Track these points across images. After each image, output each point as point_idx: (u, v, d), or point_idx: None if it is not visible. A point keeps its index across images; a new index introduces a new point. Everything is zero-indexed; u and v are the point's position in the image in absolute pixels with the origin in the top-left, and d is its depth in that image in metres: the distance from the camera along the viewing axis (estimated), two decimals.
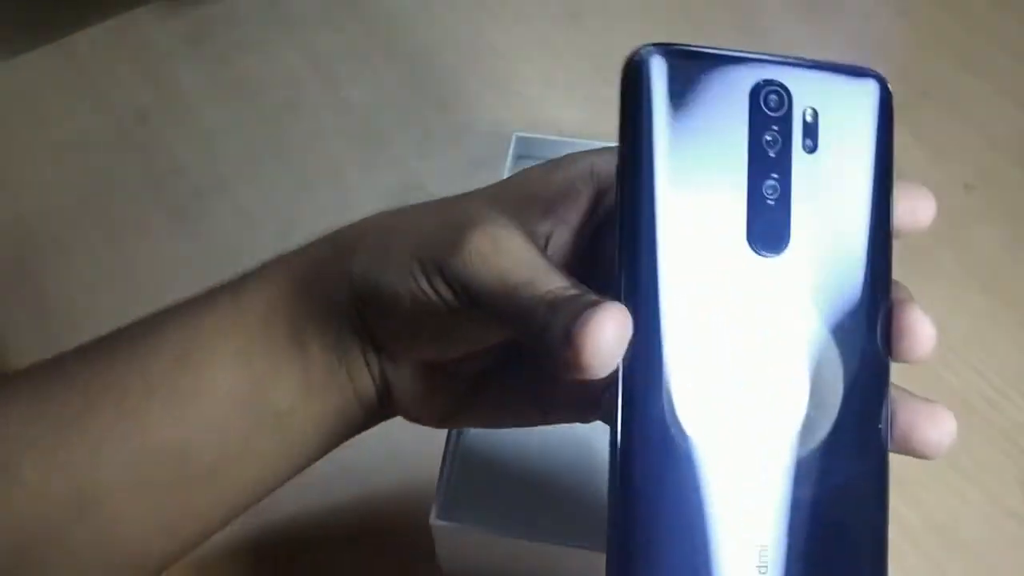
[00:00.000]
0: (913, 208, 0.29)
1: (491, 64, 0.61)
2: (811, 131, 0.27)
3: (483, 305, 0.28)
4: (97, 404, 0.32)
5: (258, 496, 0.35)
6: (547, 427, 0.43)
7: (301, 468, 0.36)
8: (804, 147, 0.26)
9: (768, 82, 0.26)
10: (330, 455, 0.47)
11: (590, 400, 0.32)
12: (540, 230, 0.31)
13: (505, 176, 0.48)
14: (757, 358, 0.26)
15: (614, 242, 0.26)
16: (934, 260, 0.53)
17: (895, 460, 0.48)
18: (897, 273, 0.55)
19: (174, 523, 0.34)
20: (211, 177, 0.57)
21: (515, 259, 0.28)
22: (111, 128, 0.59)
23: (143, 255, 0.55)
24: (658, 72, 0.25)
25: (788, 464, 0.26)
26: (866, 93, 0.28)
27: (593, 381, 0.25)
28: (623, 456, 0.25)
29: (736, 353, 0.26)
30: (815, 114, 0.27)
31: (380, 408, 0.34)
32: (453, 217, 0.30)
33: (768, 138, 0.26)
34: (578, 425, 0.43)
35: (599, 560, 0.38)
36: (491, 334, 0.31)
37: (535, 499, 0.42)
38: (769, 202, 0.26)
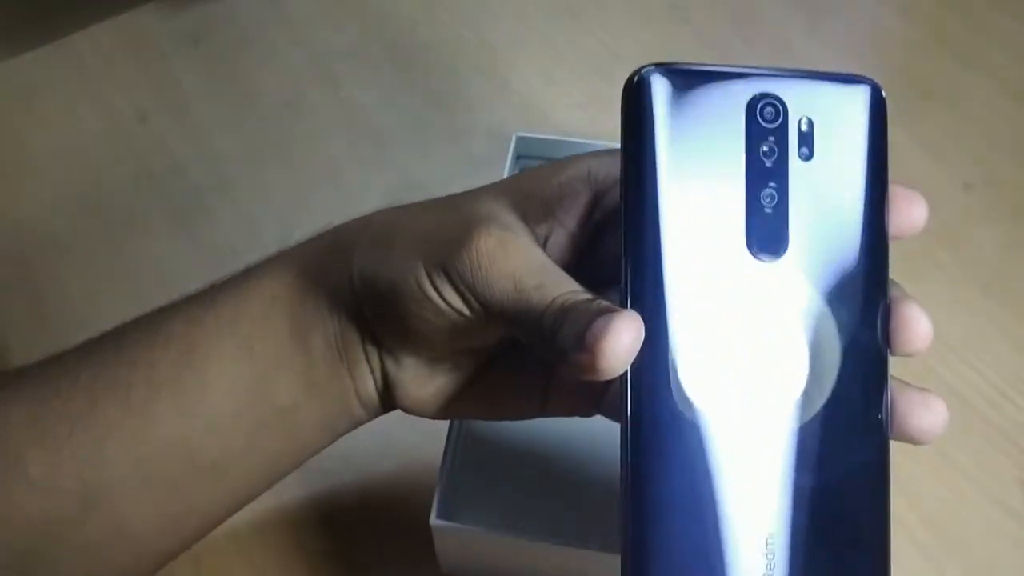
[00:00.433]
0: (908, 212, 0.29)
1: (491, 64, 0.61)
2: (807, 139, 0.28)
3: (489, 306, 0.29)
4: (102, 401, 0.32)
5: (260, 491, 0.36)
6: (547, 427, 0.43)
7: (301, 463, 0.36)
8: (800, 155, 0.28)
9: (763, 95, 0.27)
10: (330, 454, 0.47)
11: (589, 394, 0.32)
12: (539, 231, 0.31)
13: (505, 176, 0.48)
14: (761, 356, 0.27)
15: (618, 248, 0.27)
16: (934, 260, 0.53)
17: (895, 460, 0.48)
18: (897, 273, 0.55)
19: (179, 518, 0.34)
20: (211, 177, 0.57)
21: (523, 261, 0.29)
22: (111, 128, 0.59)
23: (143, 255, 0.55)
24: (659, 90, 0.27)
25: (793, 454, 0.27)
26: (860, 100, 0.29)
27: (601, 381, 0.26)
28: (633, 448, 0.26)
29: (740, 352, 0.27)
30: (810, 123, 0.28)
31: (379, 402, 0.34)
32: (458, 216, 0.31)
33: (765, 148, 0.27)
34: (578, 425, 0.43)
35: (599, 560, 0.38)
36: (493, 332, 0.31)
37: (535, 499, 0.42)
38: (767, 210, 0.27)
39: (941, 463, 0.46)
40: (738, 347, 0.27)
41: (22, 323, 0.51)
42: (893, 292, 0.30)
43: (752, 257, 0.27)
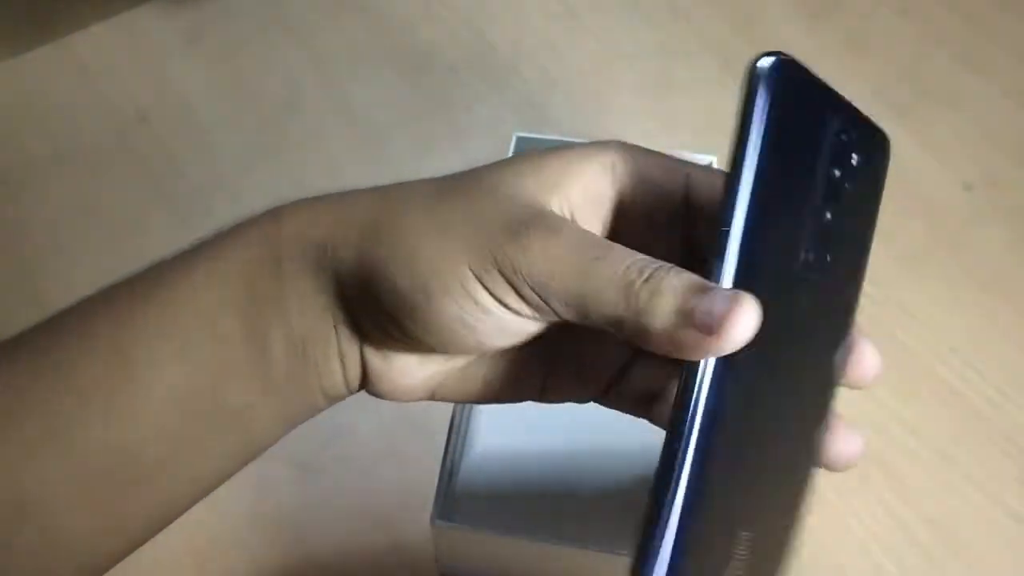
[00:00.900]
0: (861, 363, 0.30)
1: (491, 64, 0.61)
2: (852, 176, 0.29)
3: (553, 297, 0.27)
4: (30, 407, 0.31)
5: (213, 486, 0.33)
6: (547, 428, 0.43)
7: (256, 456, 0.34)
8: (846, 188, 0.29)
9: (848, 126, 0.29)
10: (330, 453, 0.47)
11: (593, 382, 0.32)
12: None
13: None
14: (792, 366, 0.29)
15: (716, 234, 0.26)
16: (934, 260, 0.53)
17: (897, 460, 0.48)
18: (897, 272, 0.55)
19: (121, 522, 0.32)
20: (211, 177, 0.57)
21: (577, 240, 0.28)
22: (111, 128, 0.59)
23: (143, 255, 0.55)
24: (785, 80, 0.28)
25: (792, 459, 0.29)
26: (884, 148, 0.31)
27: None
28: (699, 434, 0.26)
29: (779, 355, 0.28)
30: (858, 161, 0.29)
31: (347, 392, 0.32)
32: (497, 207, 0.29)
33: (835, 174, 0.28)
34: (578, 425, 0.43)
35: (599, 560, 0.38)
36: (546, 323, 0.29)
37: (535, 499, 0.42)
38: (823, 230, 0.28)
39: (941, 463, 0.46)
40: (780, 349, 0.27)
41: (22, 323, 0.51)
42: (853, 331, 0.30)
43: (801, 271, 0.28)
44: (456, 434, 0.41)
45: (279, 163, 0.58)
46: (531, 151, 0.31)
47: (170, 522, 0.33)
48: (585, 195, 0.29)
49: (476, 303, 0.28)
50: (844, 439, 0.30)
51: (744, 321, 0.25)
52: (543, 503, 0.42)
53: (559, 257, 0.27)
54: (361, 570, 0.44)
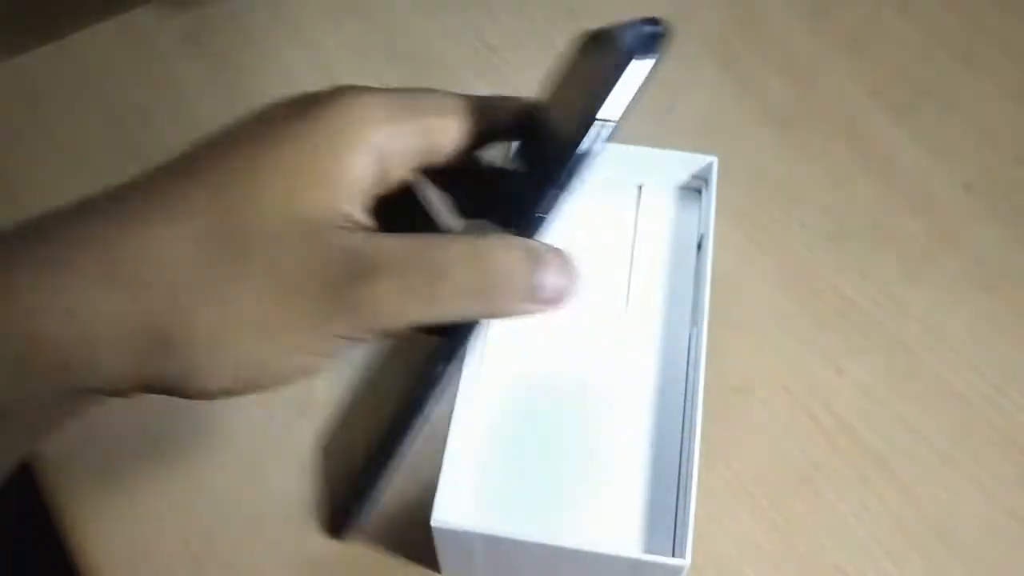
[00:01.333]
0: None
1: (491, 64, 0.61)
2: None
3: (408, 325, 0.28)
4: None
5: None
6: (548, 428, 0.43)
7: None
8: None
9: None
10: (330, 454, 0.47)
11: None
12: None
13: None
14: None
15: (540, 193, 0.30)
16: (934, 260, 0.53)
17: (897, 460, 0.48)
18: (898, 272, 0.55)
19: None
20: None
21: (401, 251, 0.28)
22: (111, 128, 0.59)
23: None
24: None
25: None
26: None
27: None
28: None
29: None
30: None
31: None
32: (319, 268, 0.27)
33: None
34: (578, 425, 0.43)
35: (599, 560, 0.38)
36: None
37: (535, 499, 0.42)
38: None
39: (941, 463, 0.46)
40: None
41: None
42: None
43: None
44: (456, 434, 0.41)
45: None
46: (231, 139, 0.31)
47: None
48: (363, 189, 0.29)
49: (322, 361, 0.27)
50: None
51: (577, 289, 0.28)
52: (543, 503, 0.42)
53: (408, 291, 0.27)
54: (361, 570, 0.44)
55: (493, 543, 0.39)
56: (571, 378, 0.44)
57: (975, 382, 0.49)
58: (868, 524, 0.45)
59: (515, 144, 0.35)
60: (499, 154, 0.36)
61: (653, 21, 0.32)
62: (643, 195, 0.50)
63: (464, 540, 0.39)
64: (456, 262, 0.27)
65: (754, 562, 0.44)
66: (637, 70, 0.31)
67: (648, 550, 0.40)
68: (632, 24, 0.32)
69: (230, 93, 0.60)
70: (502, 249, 0.28)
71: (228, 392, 0.27)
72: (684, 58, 0.61)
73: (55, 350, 0.24)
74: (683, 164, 0.49)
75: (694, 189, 0.50)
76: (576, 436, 0.43)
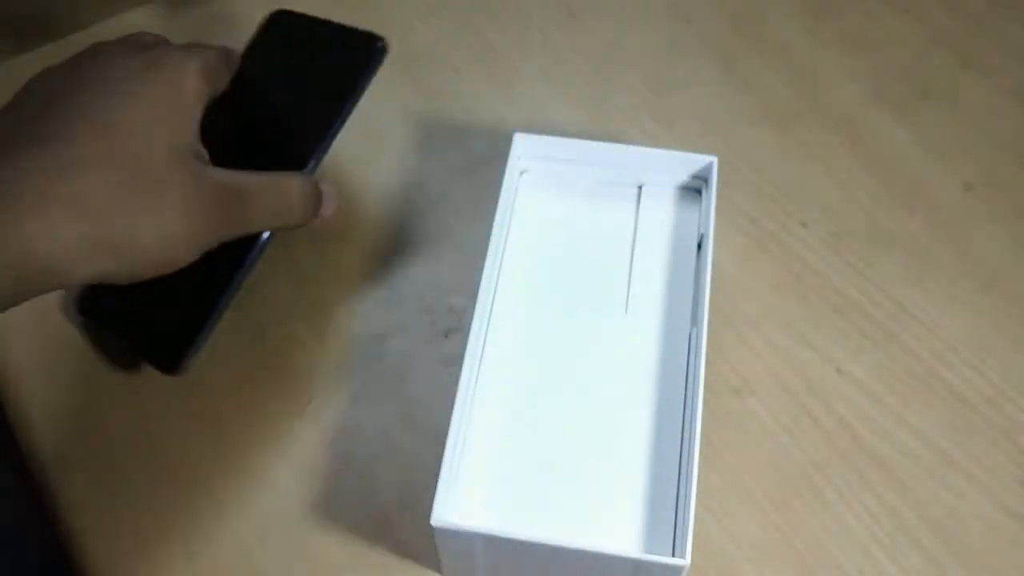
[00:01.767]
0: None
1: (491, 64, 0.61)
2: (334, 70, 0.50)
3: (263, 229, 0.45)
4: None
5: None
6: (548, 428, 0.43)
7: None
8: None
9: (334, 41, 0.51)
10: (330, 454, 0.47)
11: None
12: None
13: (506, 174, 0.48)
14: None
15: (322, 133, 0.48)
16: (934, 260, 0.53)
17: (897, 460, 0.48)
18: (898, 272, 0.55)
19: None
20: None
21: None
22: None
23: None
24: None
25: None
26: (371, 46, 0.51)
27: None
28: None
29: None
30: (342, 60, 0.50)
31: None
32: (211, 191, 0.40)
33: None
34: (578, 425, 0.43)
35: (599, 560, 0.38)
36: None
37: (535, 499, 0.42)
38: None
39: (941, 463, 0.46)
40: None
41: (24, 323, 0.51)
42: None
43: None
44: (456, 434, 0.41)
45: None
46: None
47: None
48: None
49: (192, 256, 0.39)
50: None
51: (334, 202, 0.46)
52: (543, 503, 0.42)
53: (261, 212, 0.42)
54: (362, 570, 0.44)
55: (493, 543, 0.39)
56: (571, 378, 0.44)
57: (975, 382, 0.49)
58: (868, 524, 0.45)
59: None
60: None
61: (380, 38, 0.50)
62: (643, 195, 0.50)
63: (464, 540, 0.39)
64: (292, 191, 0.44)
65: (754, 562, 0.44)
66: (372, 73, 0.49)
67: (648, 550, 0.40)
68: (356, 31, 0.50)
69: None
70: (311, 184, 0.45)
71: (140, 276, 0.38)
72: (684, 58, 0.61)
73: (45, 261, 0.35)
74: (683, 164, 0.49)
75: (694, 189, 0.50)
76: (576, 436, 0.43)
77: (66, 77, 0.40)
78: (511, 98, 0.59)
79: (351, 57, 0.49)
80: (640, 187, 0.50)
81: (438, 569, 0.44)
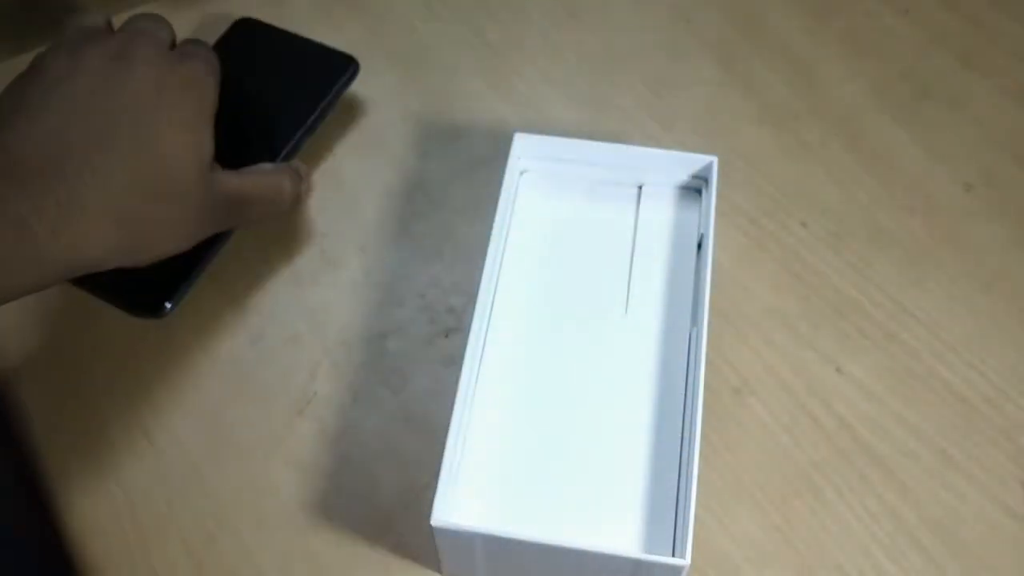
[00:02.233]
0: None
1: (491, 64, 0.61)
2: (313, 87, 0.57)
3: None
4: None
5: None
6: (548, 428, 0.43)
7: None
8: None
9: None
10: (330, 453, 0.47)
11: None
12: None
13: (506, 174, 0.48)
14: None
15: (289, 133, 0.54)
16: (934, 260, 0.53)
17: (897, 460, 0.48)
18: (898, 272, 0.55)
19: None
20: None
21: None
22: None
23: None
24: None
25: None
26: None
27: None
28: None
29: None
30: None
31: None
32: (217, 204, 0.46)
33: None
34: (578, 425, 0.43)
35: (599, 560, 0.38)
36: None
37: (536, 499, 0.42)
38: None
39: (941, 463, 0.46)
40: None
41: (22, 323, 0.51)
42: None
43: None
44: (456, 434, 0.41)
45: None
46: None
47: None
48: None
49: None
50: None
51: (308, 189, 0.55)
52: (543, 503, 0.42)
53: (264, 207, 0.49)
54: (362, 570, 0.44)
55: (493, 543, 0.39)
56: (571, 378, 0.44)
57: (975, 382, 0.49)
58: (868, 524, 0.45)
59: None
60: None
61: (352, 59, 0.56)
62: (643, 195, 0.50)
63: (464, 540, 0.39)
64: (279, 186, 0.50)
65: (754, 562, 0.44)
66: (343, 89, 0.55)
67: (648, 550, 0.40)
68: (328, 50, 0.56)
69: None
70: (297, 177, 0.51)
71: (142, 264, 0.44)
72: (684, 58, 0.61)
73: (88, 261, 0.41)
74: (683, 164, 0.49)
75: (694, 189, 0.50)
76: (576, 436, 0.43)
77: (107, 95, 0.43)
78: (511, 98, 0.59)
79: (318, 71, 0.55)
80: (640, 187, 0.50)
81: (438, 569, 0.44)
